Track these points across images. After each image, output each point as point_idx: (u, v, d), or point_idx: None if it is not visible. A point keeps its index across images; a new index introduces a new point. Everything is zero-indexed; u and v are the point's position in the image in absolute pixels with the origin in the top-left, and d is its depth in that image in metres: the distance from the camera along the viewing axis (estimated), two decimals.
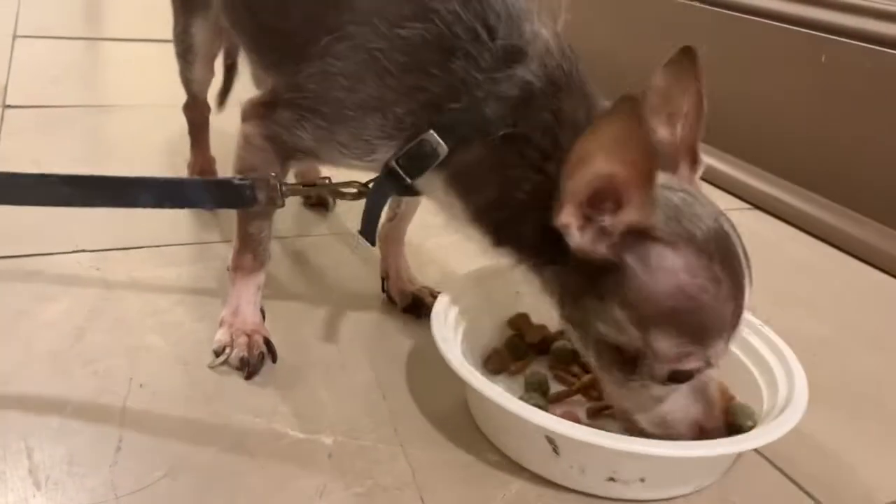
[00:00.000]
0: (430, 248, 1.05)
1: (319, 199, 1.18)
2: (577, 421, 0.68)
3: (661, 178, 0.64)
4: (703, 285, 0.60)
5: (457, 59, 0.66)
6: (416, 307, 0.90)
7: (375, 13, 0.68)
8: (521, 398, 0.68)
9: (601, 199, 0.60)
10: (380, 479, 0.65)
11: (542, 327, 0.82)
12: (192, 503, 0.61)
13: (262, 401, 0.73)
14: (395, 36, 0.67)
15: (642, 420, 0.66)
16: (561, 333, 0.80)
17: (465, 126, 0.67)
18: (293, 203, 1.14)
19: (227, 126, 0.96)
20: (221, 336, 0.79)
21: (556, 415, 0.64)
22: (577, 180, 0.59)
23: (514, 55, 0.66)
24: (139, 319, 0.84)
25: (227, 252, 0.83)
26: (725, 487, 0.68)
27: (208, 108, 1.19)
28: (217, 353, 0.78)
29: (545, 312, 0.74)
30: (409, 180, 0.71)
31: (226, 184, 0.77)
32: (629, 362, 0.63)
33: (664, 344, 0.61)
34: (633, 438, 0.63)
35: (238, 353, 0.77)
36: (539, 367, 0.80)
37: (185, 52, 1.08)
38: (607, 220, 0.61)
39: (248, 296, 0.81)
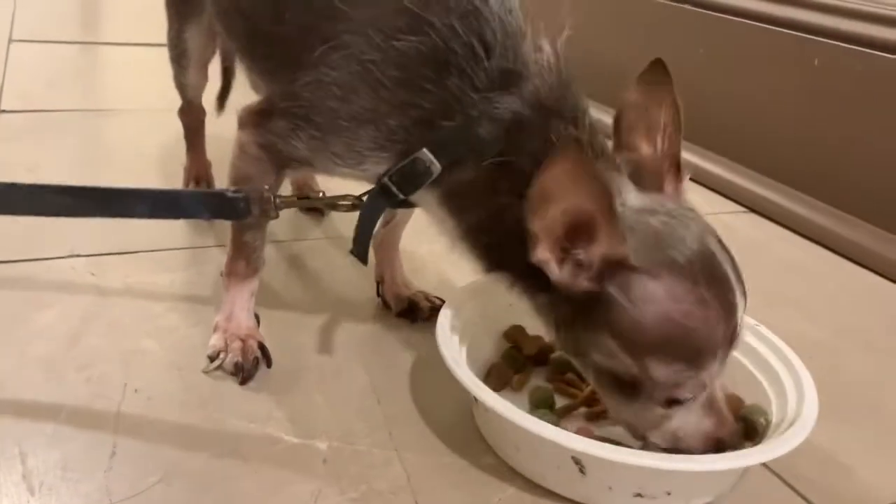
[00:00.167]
0: (425, 253, 1.05)
1: None
2: (591, 436, 0.67)
3: (641, 201, 0.64)
4: (689, 310, 0.60)
5: (451, 76, 0.66)
6: (410, 312, 0.91)
7: (371, 23, 0.68)
8: (531, 415, 0.68)
9: (576, 233, 0.60)
10: (375, 483, 0.65)
11: (538, 338, 0.82)
12: None
13: (257, 406, 0.73)
14: (390, 48, 0.67)
15: (654, 437, 0.66)
16: None
17: (458, 145, 0.67)
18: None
19: (222, 130, 0.96)
20: (216, 341, 0.79)
21: (570, 430, 0.64)
22: (545, 217, 0.60)
23: (510, 78, 0.66)
24: (134, 324, 0.84)
25: (221, 256, 0.83)
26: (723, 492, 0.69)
27: (203, 113, 1.19)
28: (211, 359, 0.78)
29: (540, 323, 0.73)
30: (402, 197, 0.71)
31: (220, 196, 0.77)
32: (629, 386, 0.63)
33: (660, 371, 0.61)
34: (662, 455, 0.63)
35: (232, 358, 0.77)
36: (538, 379, 0.80)
37: (179, 57, 1.08)
38: (582, 254, 0.61)
39: (241, 301, 0.81)
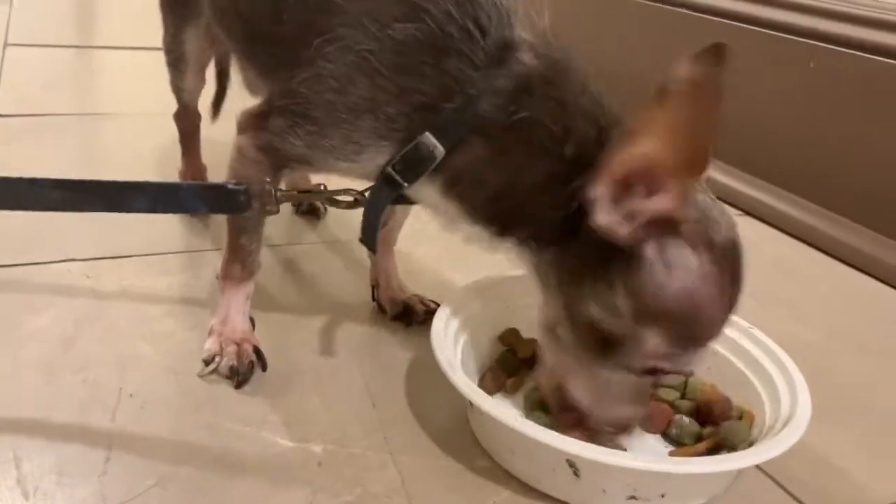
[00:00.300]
0: (420, 256, 1.05)
1: (311, 207, 1.18)
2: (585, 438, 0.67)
3: None
4: (711, 294, 0.60)
5: (449, 59, 0.66)
6: (406, 315, 0.91)
7: (365, 14, 0.68)
8: (526, 418, 0.69)
9: (635, 181, 0.57)
10: (370, 486, 0.65)
11: (533, 341, 0.82)
12: None
13: (252, 409, 0.73)
14: (386, 37, 0.67)
15: (576, 389, 0.67)
16: None
17: (459, 125, 0.67)
18: (284, 211, 1.14)
19: (218, 135, 0.96)
20: (211, 345, 0.79)
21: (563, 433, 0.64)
22: (623, 154, 0.57)
23: (508, 50, 0.67)
24: (129, 328, 0.84)
25: (217, 260, 0.83)
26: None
27: (199, 117, 1.19)
28: (207, 362, 0.78)
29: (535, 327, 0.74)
30: (406, 185, 0.71)
31: (220, 188, 0.76)
32: (607, 348, 0.63)
33: (655, 342, 0.61)
34: (659, 459, 0.64)
35: (227, 361, 0.77)
36: (533, 382, 0.80)
37: (176, 61, 1.08)
38: (636, 204, 0.58)
39: (237, 305, 0.81)
